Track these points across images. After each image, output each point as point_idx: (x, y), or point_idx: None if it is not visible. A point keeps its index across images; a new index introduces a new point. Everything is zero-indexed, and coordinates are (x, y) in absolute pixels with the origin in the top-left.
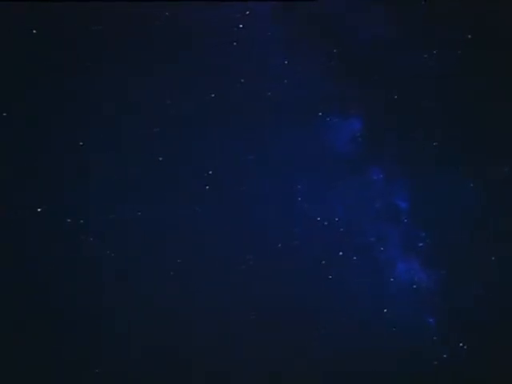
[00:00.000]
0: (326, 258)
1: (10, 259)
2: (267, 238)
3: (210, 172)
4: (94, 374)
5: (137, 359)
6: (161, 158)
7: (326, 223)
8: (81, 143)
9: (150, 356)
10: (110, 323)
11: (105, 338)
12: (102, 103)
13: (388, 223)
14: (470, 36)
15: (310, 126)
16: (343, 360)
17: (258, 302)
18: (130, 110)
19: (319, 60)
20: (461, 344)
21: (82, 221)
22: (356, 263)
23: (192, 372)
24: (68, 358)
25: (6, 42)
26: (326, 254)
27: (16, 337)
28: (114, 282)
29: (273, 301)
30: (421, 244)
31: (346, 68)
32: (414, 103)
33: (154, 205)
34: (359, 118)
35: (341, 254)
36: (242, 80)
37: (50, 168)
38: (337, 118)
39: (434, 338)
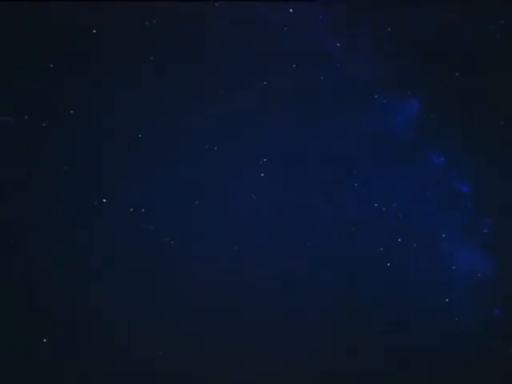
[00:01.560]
0: (384, 245)
1: (78, 246)
2: (323, 225)
3: (265, 160)
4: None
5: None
6: (216, 148)
7: (383, 209)
8: (140, 135)
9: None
10: (172, 310)
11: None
12: (164, 95)
13: (450, 209)
14: None
15: (365, 109)
16: (400, 350)
17: (314, 290)
18: (184, 100)
19: (373, 40)
20: None
21: (143, 209)
22: (415, 250)
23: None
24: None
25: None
26: (384, 241)
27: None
28: (173, 268)
29: (331, 288)
30: (485, 230)
31: (402, 47)
32: (477, 81)
33: (210, 193)
34: (417, 99)
35: (399, 240)
36: (294, 65)
37: (114, 161)
38: (393, 100)
39: (501, 330)
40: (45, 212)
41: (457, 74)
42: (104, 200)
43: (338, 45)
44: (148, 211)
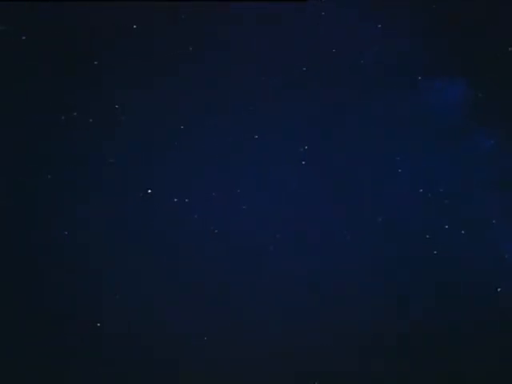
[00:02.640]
0: (431, 233)
1: (125, 237)
2: (366, 213)
3: (306, 147)
4: None
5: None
6: (256, 136)
7: (429, 195)
8: (182, 126)
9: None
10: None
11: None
12: (204, 85)
13: (500, 193)
14: None
15: (409, 91)
16: (449, 341)
17: (356, 279)
18: (222, 89)
19: (416, 19)
20: None
21: (186, 200)
22: (464, 238)
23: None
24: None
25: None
26: (431, 228)
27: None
28: (218, 256)
29: (375, 277)
30: None
31: (447, 25)
32: None
33: (252, 182)
34: (464, 80)
35: (447, 227)
36: (334, 50)
37: (158, 152)
38: (439, 81)
39: None
40: (93, 204)
41: (510, 49)
42: (149, 191)
43: (380, 26)
44: (192, 201)
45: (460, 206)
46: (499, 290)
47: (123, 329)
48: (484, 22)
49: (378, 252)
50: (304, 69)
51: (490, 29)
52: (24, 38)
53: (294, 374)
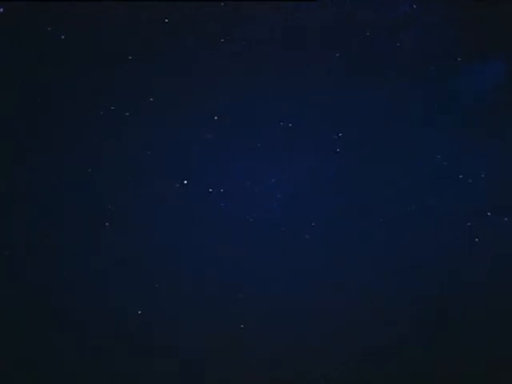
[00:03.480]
0: (472, 220)
1: (162, 227)
2: (402, 200)
3: (340, 134)
4: None
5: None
6: (290, 124)
7: (470, 181)
8: (215, 117)
9: None
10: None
11: None
12: (235, 74)
13: None
14: None
15: (448, 74)
16: (491, 331)
17: (393, 268)
18: (256, 77)
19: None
20: None
21: (222, 190)
22: (507, 225)
23: None
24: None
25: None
26: (472, 215)
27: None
28: (254, 246)
29: (413, 263)
30: None
31: (485, 5)
32: None
33: (286, 170)
34: (505, 60)
35: (489, 214)
36: (368, 33)
37: (194, 143)
38: (478, 62)
39: None
40: (131, 196)
41: None
42: (185, 181)
43: (414, 6)
44: (227, 191)
45: (502, 192)
46: None
47: (172, 317)
48: None
49: (417, 240)
50: (337, 54)
51: None
52: (63, 37)
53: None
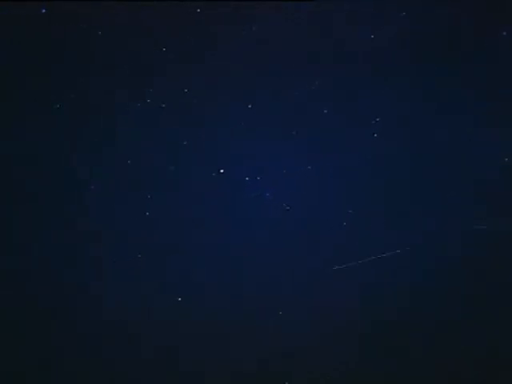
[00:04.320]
0: None
1: (199, 217)
2: (442, 187)
3: (378, 119)
4: None
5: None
6: (326, 111)
7: None
8: (249, 106)
9: None
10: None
11: None
12: (270, 62)
13: None
14: None
15: (491, 50)
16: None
17: (444, 251)
18: (294, 63)
19: None
20: None
21: (258, 178)
22: None
23: None
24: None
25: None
26: None
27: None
28: (292, 234)
29: (457, 249)
30: None
31: None
32: None
33: (324, 156)
34: None
35: None
36: (404, 13)
37: (229, 132)
38: None
39: None
40: (171, 184)
41: None
42: (221, 170)
43: None
44: (263, 179)
45: None
46: None
47: (214, 304)
48: None
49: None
50: (372, 36)
51: None
52: (100, 33)
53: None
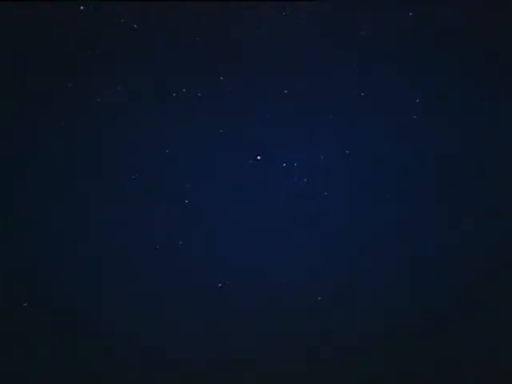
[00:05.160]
0: None
1: (235, 203)
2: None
3: (417, 100)
4: None
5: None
6: (363, 94)
7: None
8: (285, 91)
9: None
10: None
11: None
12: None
13: None
14: None
15: None
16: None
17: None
18: (330, 46)
19: None
20: None
21: (295, 164)
22: None
23: None
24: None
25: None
26: None
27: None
28: (329, 219)
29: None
30: None
31: None
32: None
33: (361, 142)
34: None
35: None
36: None
37: (265, 118)
38: None
39: None
40: (208, 172)
41: None
42: (258, 157)
43: None
44: (300, 165)
45: None
46: None
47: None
48: None
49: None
50: (411, 14)
51: None
52: (136, 26)
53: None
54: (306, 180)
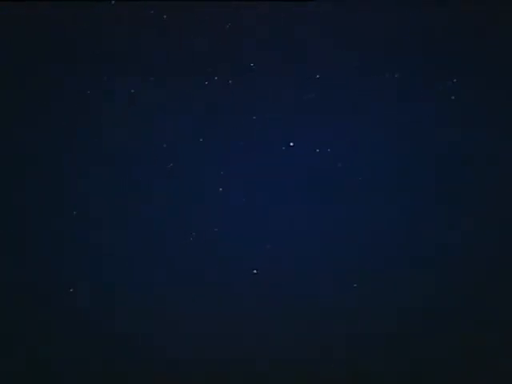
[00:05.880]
0: None
1: (268, 185)
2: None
3: (455, 80)
4: None
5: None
6: (396, 75)
7: None
8: (317, 76)
9: None
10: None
11: None
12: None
13: None
14: None
15: None
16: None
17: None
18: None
19: None
20: None
21: (329, 149)
22: None
23: None
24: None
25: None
26: None
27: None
28: (364, 204)
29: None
30: None
31: None
32: None
33: (393, 122)
34: None
35: None
36: None
37: (296, 105)
38: None
39: None
40: (241, 159)
41: None
42: (291, 144)
43: None
44: (334, 151)
45: None
46: None
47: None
48: None
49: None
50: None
51: None
52: (165, 17)
53: None
54: (340, 165)
